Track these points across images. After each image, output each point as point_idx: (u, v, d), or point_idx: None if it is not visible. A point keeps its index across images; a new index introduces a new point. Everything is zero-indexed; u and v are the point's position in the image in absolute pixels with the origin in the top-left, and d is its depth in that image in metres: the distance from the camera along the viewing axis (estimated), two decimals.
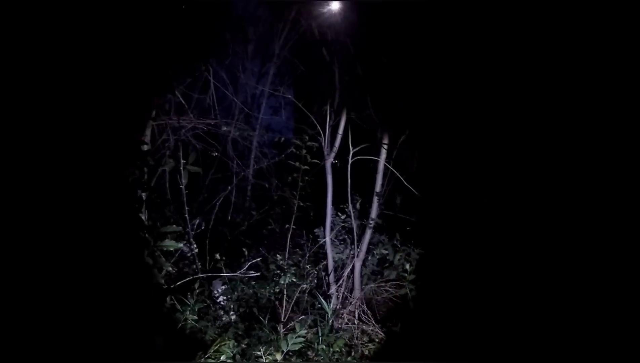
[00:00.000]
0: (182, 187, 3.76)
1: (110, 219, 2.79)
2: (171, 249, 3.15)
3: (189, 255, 4.22)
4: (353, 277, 4.30)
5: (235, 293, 3.96)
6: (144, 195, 3.20)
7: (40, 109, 2.42)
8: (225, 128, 5.06)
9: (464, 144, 3.50)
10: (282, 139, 5.38)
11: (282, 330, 3.66)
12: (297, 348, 3.28)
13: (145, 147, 3.41)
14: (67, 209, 2.49)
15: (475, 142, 3.38)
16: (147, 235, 3.02)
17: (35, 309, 2.36)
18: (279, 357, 3.28)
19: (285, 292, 3.88)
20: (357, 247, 4.31)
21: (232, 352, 3.30)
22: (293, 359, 3.41)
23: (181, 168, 3.70)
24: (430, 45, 3.58)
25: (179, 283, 3.57)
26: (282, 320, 3.75)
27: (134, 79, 3.07)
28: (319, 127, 4.20)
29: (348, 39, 4.13)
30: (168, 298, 3.43)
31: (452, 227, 3.64)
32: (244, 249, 4.39)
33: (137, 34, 3.02)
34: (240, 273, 3.96)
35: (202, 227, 4.51)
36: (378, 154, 4.22)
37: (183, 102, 4.42)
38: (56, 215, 2.45)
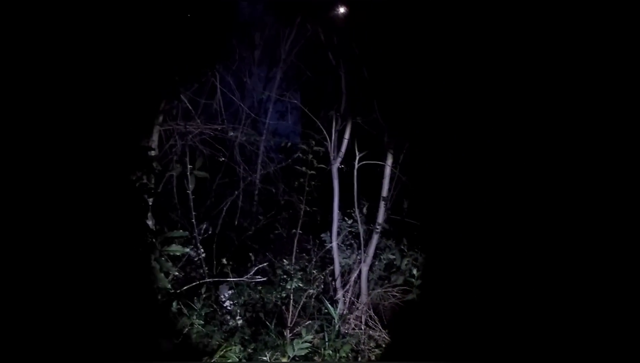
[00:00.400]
0: (189, 192, 3.78)
1: (117, 224, 2.80)
2: (178, 254, 3.16)
3: (196, 259, 4.23)
4: (360, 282, 4.28)
5: (242, 298, 3.96)
6: (151, 200, 3.22)
7: (48, 115, 2.45)
8: (232, 133, 5.08)
9: (470, 146, 3.48)
10: (289, 143, 5.37)
11: (289, 335, 3.66)
12: (303, 354, 3.28)
13: (153, 153, 3.43)
14: (74, 214, 2.51)
15: (481, 144, 3.36)
16: (154, 240, 3.03)
17: (43, 312, 2.37)
18: (285, 361, 3.27)
19: (291, 297, 3.88)
20: (364, 252, 4.30)
21: (239, 357, 3.30)
22: None
23: (188, 173, 3.72)
24: (435, 47, 3.58)
25: (185, 287, 3.57)
26: (289, 325, 3.74)
27: (141, 85, 3.09)
28: (325, 131, 4.20)
29: (354, 44, 4.14)
30: (175, 303, 3.43)
31: (459, 231, 3.62)
32: (251, 254, 4.40)
33: (143, 40, 3.05)
34: (247, 278, 3.96)
35: (209, 232, 4.52)
36: (384, 159, 4.21)
37: (190, 107, 4.44)
38: (63, 220, 2.47)
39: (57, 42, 2.49)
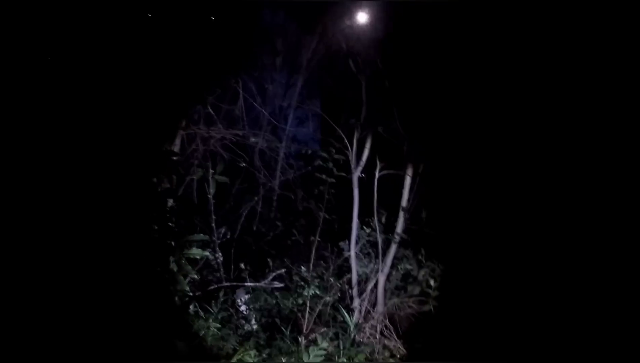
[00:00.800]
0: (210, 196, 3.82)
1: (139, 226, 2.85)
2: (197, 257, 3.19)
3: (214, 263, 4.26)
4: (377, 291, 4.26)
5: (258, 303, 3.98)
6: (172, 203, 3.26)
7: (76, 121, 2.51)
8: (253, 139, 5.12)
9: (491, 157, 3.46)
10: (309, 151, 5.39)
11: (304, 342, 3.66)
12: (318, 361, 3.27)
13: (175, 157, 3.48)
14: (99, 216, 2.56)
15: (502, 156, 3.34)
16: (174, 242, 3.07)
17: (62, 311, 2.42)
18: None
19: (308, 304, 3.88)
20: (382, 262, 4.28)
21: (254, 362, 3.31)
22: None
23: (209, 177, 3.76)
24: (456, 57, 3.57)
25: (206, 290, 3.60)
26: (304, 331, 3.74)
27: (166, 90, 3.14)
28: (345, 140, 4.21)
29: (375, 53, 4.15)
30: (192, 306, 3.47)
31: (477, 242, 3.59)
32: (269, 260, 4.41)
33: (170, 47, 3.10)
34: (264, 283, 3.97)
35: (228, 236, 4.56)
36: (405, 169, 4.20)
37: (212, 112, 4.50)
38: (87, 221, 2.52)
39: (85, 52, 2.56)
